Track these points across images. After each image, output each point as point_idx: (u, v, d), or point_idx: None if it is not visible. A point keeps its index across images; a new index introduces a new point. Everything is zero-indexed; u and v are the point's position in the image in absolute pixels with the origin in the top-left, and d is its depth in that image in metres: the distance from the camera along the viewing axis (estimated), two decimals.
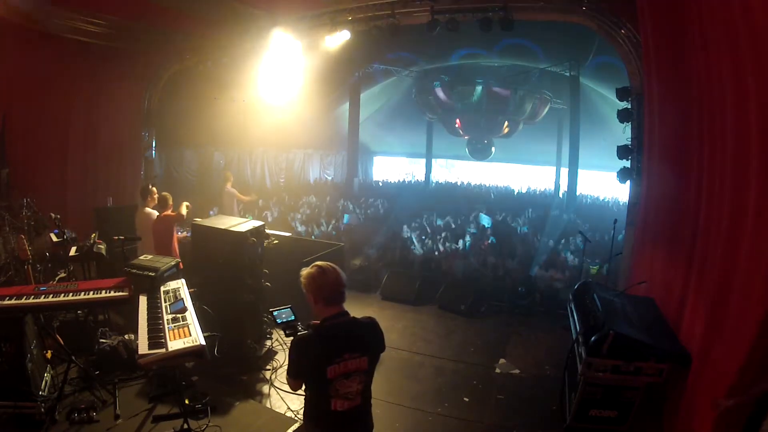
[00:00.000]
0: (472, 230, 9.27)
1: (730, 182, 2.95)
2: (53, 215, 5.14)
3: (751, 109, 2.66)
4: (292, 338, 2.37)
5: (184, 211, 5.56)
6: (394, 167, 21.49)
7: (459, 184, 18.22)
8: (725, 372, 2.70)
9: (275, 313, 2.58)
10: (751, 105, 2.65)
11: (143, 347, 2.94)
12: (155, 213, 5.70)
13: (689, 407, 3.22)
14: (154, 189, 6.03)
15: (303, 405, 2.44)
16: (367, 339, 2.34)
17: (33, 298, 3.54)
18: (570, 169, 12.35)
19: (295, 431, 3.59)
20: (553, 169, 15.98)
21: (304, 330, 2.43)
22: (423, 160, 19.10)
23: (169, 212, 5.55)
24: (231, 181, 8.39)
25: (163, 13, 6.86)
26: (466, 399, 4.43)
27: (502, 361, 5.23)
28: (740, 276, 2.76)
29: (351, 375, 2.27)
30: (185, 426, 3.29)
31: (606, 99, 12.28)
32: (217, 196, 8.84)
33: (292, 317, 2.55)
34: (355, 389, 2.29)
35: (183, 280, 3.98)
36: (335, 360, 2.21)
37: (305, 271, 2.31)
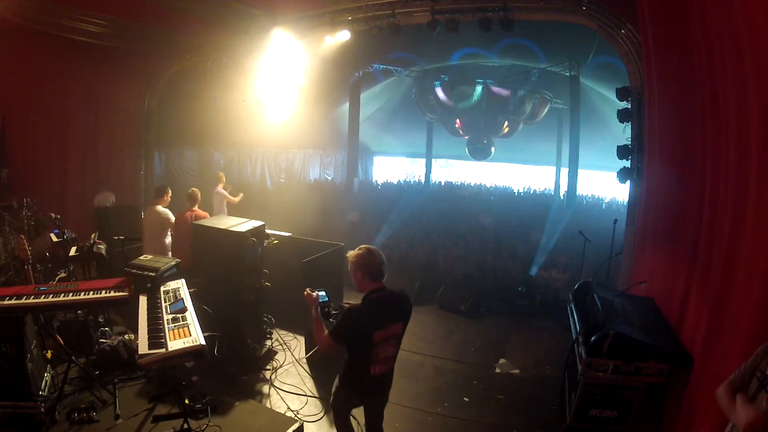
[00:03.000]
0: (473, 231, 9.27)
1: (733, 182, 2.95)
2: (53, 215, 5.14)
3: (753, 108, 2.65)
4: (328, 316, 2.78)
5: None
6: (394, 167, 21.46)
7: (459, 184, 18.21)
8: (727, 372, 2.69)
9: (319, 296, 2.84)
10: (753, 103, 2.65)
11: (143, 347, 2.94)
12: (168, 212, 5.76)
13: (690, 407, 3.22)
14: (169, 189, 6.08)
15: (343, 371, 2.82)
16: (404, 307, 2.81)
17: (33, 298, 3.53)
18: (570, 169, 12.34)
19: (295, 431, 3.59)
20: (553, 169, 15.97)
21: (336, 311, 2.81)
22: (423, 160, 19.09)
23: (197, 210, 5.77)
24: (223, 182, 8.34)
25: (163, 13, 6.86)
26: (466, 399, 4.43)
27: (502, 361, 5.23)
28: (743, 275, 2.76)
29: (390, 339, 2.71)
30: (185, 426, 3.29)
31: (606, 99, 12.27)
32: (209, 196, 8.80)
33: (326, 299, 2.83)
34: (391, 353, 2.76)
35: (183, 280, 3.97)
36: (383, 325, 2.65)
37: (354, 252, 2.71)
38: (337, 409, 2.98)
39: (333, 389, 2.90)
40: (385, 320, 2.65)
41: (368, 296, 2.67)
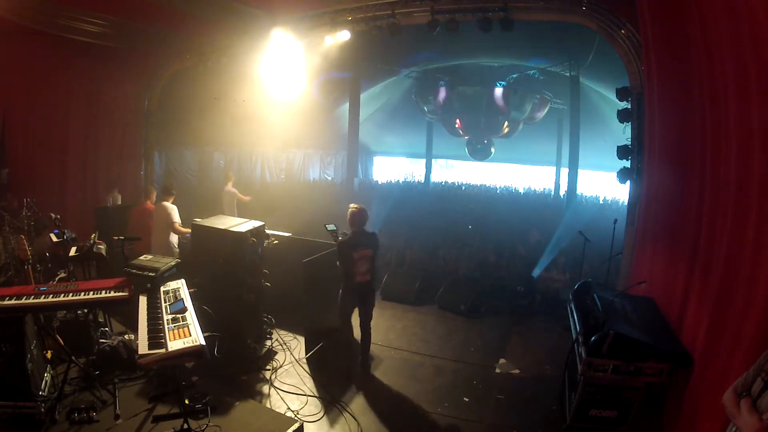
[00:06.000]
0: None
1: (733, 181, 2.95)
2: (53, 215, 5.14)
3: (754, 107, 2.65)
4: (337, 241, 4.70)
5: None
6: (394, 167, 21.44)
7: (459, 185, 18.18)
8: (728, 372, 2.70)
9: (327, 227, 4.82)
10: (754, 103, 2.65)
11: (143, 347, 2.93)
12: (175, 208, 5.93)
13: (691, 407, 3.22)
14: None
15: (343, 284, 4.68)
16: (371, 241, 4.67)
17: (33, 298, 3.53)
18: (570, 169, 12.33)
19: (295, 431, 3.59)
20: (553, 169, 15.98)
21: (341, 236, 4.70)
22: (423, 160, 19.09)
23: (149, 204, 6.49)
24: (232, 181, 8.43)
25: (163, 13, 6.85)
26: (466, 399, 4.43)
27: (502, 361, 5.23)
28: (743, 275, 2.75)
29: (363, 259, 4.55)
30: (185, 426, 3.29)
31: (606, 99, 12.28)
32: (218, 195, 8.86)
33: (335, 228, 4.81)
34: (365, 268, 4.58)
35: (183, 280, 3.97)
36: (357, 249, 4.52)
37: (351, 208, 4.65)
38: (342, 308, 4.72)
39: (339, 298, 4.68)
40: (358, 246, 4.53)
41: (352, 234, 4.59)
